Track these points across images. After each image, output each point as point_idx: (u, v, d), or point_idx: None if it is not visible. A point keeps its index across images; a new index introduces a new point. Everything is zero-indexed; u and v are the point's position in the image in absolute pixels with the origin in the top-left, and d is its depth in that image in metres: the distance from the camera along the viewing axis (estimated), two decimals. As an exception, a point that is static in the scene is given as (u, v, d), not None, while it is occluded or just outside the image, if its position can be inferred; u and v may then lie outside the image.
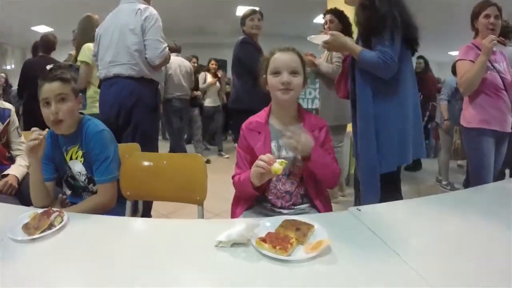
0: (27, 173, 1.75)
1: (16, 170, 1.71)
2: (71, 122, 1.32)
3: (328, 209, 1.29)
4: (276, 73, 1.23)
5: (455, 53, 9.34)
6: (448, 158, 3.78)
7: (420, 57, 4.53)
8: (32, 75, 3.29)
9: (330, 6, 4.91)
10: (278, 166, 1.02)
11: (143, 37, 2.00)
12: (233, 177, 1.30)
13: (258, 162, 1.07)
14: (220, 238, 0.83)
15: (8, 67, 8.68)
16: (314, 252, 0.78)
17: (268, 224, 0.93)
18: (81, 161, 1.38)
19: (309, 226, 0.89)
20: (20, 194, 1.64)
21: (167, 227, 1.08)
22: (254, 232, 0.86)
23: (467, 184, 3.61)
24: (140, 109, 2.04)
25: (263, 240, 0.81)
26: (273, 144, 1.27)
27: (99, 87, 2.25)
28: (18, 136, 1.85)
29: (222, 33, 7.68)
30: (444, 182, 3.81)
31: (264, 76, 1.29)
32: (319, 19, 7.62)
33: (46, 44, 3.42)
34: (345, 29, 2.60)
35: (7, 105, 1.81)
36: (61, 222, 1.05)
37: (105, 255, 0.88)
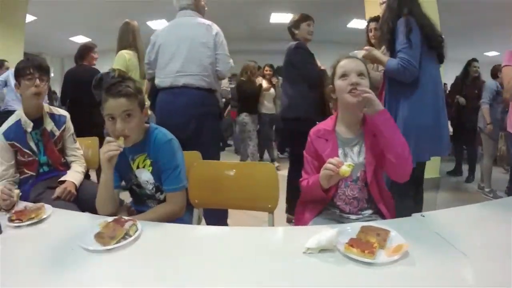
0: (83, 179, 1.78)
1: (73, 176, 1.73)
2: (138, 135, 1.32)
3: (392, 213, 1.31)
4: (344, 76, 1.27)
5: (491, 53, 9.13)
6: (491, 164, 3.64)
7: (473, 60, 4.28)
8: (73, 83, 3.49)
9: (368, 10, 4.88)
10: (346, 168, 1.06)
11: (215, 51, 2.12)
12: (300, 181, 1.35)
13: (327, 165, 1.11)
14: (309, 245, 0.87)
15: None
16: (396, 255, 0.82)
17: (350, 230, 0.97)
18: (149, 170, 1.37)
19: (386, 232, 0.93)
20: (77, 200, 1.65)
21: (248, 235, 1.09)
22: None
23: (510, 192, 3.49)
24: (210, 118, 2.15)
25: (351, 245, 0.85)
26: (340, 151, 1.30)
27: (152, 95, 2.30)
28: (73, 142, 1.87)
29: (257, 39, 7.75)
30: (486, 189, 3.65)
31: (331, 86, 1.33)
32: (353, 24, 7.55)
33: (86, 53, 3.56)
34: None
35: (62, 112, 1.85)
36: (136, 231, 1.03)
37: (186, 265, 0.88)
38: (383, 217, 1.26)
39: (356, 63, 1.29)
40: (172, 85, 2.08)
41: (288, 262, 0.86)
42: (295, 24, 2.69)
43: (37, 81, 1.63)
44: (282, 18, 7.13)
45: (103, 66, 3.73)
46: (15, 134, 1.66)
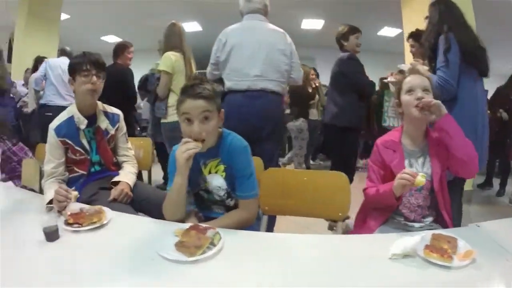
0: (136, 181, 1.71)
1: (127, 177, 1.65)
2: (213, 139, 1.27)
3: (451, 220, 1.38)
4: (410, 91, 1.36)
5: None
6: None
7: None
8: (108, 81, 3.50)
9: (405, 18, 4.74)
10: (420, 179, 1.16)
11: (291, 59, 2.22)
12: (365, 189, 1.42)
13: (403, 175, 1.18)
14: (395, 251, 0.92)
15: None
16: (467, 260, 0.90)
17: (423, 237, 1.01)
18: (222, 176, 1.31)
19: (455, 239, 1.00)
20: (132, 203, 1.58)
21: (330, 243, 1.12)
22: None
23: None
24: (280, 122, 2.30)
25: (431, 250, 0.92)
26: (406, 162, 1.37)
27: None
28: (126, 142, 1.80)
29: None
30: None
31: (397, 100, 1.44)
32: (384, 32, 7.42)
33: (121, 52, 3.52)
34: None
35: (115, 110, 1.78)
36: (219, 240, 0.97)
37: (279, 275, 0.88)
38: (442, 224, 1.35)
39: (421, 79, 1.38)
40: (250, 88, 2.08)
41: (375, 267, 0.91)
42: (344, 36, 2.79)
43: (94, 78, 1.56)
44: (313, 24, 7.05)
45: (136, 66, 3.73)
46: (67, 131, 1.59)
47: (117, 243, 1.08)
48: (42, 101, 3.79)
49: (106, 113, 1.71)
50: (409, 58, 4.22)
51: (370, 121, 4.56)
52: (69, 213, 1.23)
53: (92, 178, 1.65)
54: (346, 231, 2.68)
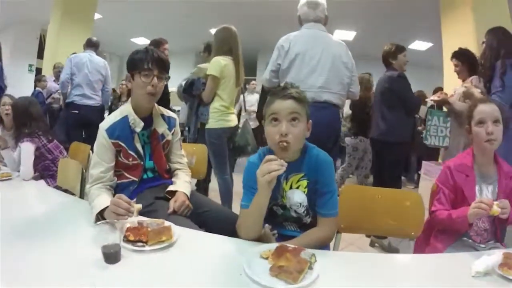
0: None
1: (184, 187, 1.50)
2: (298, 148, 1.19)
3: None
4: (481, 123, 1.39)
5: None
6: None
7: None
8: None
9: (445, 29, 4.55)
10: (496, 208, 1.16)
11: (351, 73, 2.22)
12: (434, 211, 1.42)
13: (480, 204, 1.18)
14: (478, 268, 0.96)
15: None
16: None
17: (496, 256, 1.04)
18: (304, 192, 1.22)
19: None
20: (191, 215, 1.42)
21: (417, 263, 1.14)
22: None
23: None
24: (339, 134, 2.30)
25: (509, 267, 0.96)
26: (477, 188, 1.39)
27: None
28: (180, 149, 1.66)
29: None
30: None
31: (468, 126, 1.46)
32: (415, 46, 7.28)
33: (156, 47, 3.40)
34: (471, 67, 2.64)
35: (172, 114, 1.63)
36: (315, 262, 0.90)
37: None
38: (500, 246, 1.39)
39: (491, 109, 1.39)
40: (314, 100, 2.02)
41: (460, 285, 0.93)
42: (392, 55, 2.86)
43: (155, 80, 1.39)
44: (344, 35, 6.94)
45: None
46: (121, 133, 1.44)
47: (191, 266, 0.94)
48: (68, 100, 3.74)
49: (163, 116, 1.56)
50: (447, 72, 4.20)
51: (414, 136, 4.38)
52: (127, 226, 1.08)
53: (144, 186, 1.50)
54: (388, 249, 2.63)
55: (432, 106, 4.03)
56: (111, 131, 1.43)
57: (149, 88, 1.40)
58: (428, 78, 6.16)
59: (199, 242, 1.10)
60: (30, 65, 7.81)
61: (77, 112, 3.66)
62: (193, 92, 2.71)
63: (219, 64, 2.50)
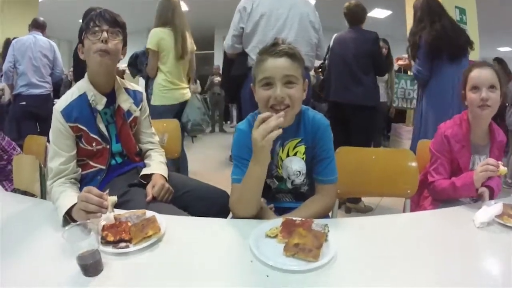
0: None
1: (160, 168, 1.31)
2: (295, 113, 1.08)
3: None
4: (475, 88, 1.30)
5: (503, 49, 9.33)
6: None
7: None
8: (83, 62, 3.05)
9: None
10: (503, 168, 1.15)
11: (318, 33, 2.14)
12: (432, 182, 1.37)
13: (488, 167, 1.16)
14: (482, 219, 0.98)
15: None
16: None
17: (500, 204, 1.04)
18: (303, 158, 1.12)
19: None
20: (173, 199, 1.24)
21: (420, 221, 1.11)
22: None
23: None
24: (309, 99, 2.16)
25: (509, 216, 0.98)
26: (471, 159, 1.36)
27: (231, 79, 2.25)
28: (150, 127, 1.45)
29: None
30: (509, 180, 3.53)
31: (463, 92, 1.36)
32: (374, 13, 7.34)
33: None
34: None
35: (137, 87, 1.41)
36: (329, 232, 0.83)
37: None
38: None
39: (487, 74, 1.28)
40: None
41: (466, 237, 0.94)
42: (362, 14, 2.72)
43: (105, 34, 1.16)
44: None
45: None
46: (80, 114, 1.21)
47: (189, 261, 0.77)
48: (15, 91, 3.35)
49: (127, 90, 1.34)
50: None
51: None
52: (102, 224, 0.89)
53: (113, 174, 1.29)
54: (364, 210, 2.67)
55: (399, 70, 4.05)
56: (68, 113, 1.20)
57: (99, 44, 1.16)
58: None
59: (191, 230, 0.94)
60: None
61: (24, 103, 3.28)
62: (138, 66, 2.55)
63: (156, 36, 2.36)
